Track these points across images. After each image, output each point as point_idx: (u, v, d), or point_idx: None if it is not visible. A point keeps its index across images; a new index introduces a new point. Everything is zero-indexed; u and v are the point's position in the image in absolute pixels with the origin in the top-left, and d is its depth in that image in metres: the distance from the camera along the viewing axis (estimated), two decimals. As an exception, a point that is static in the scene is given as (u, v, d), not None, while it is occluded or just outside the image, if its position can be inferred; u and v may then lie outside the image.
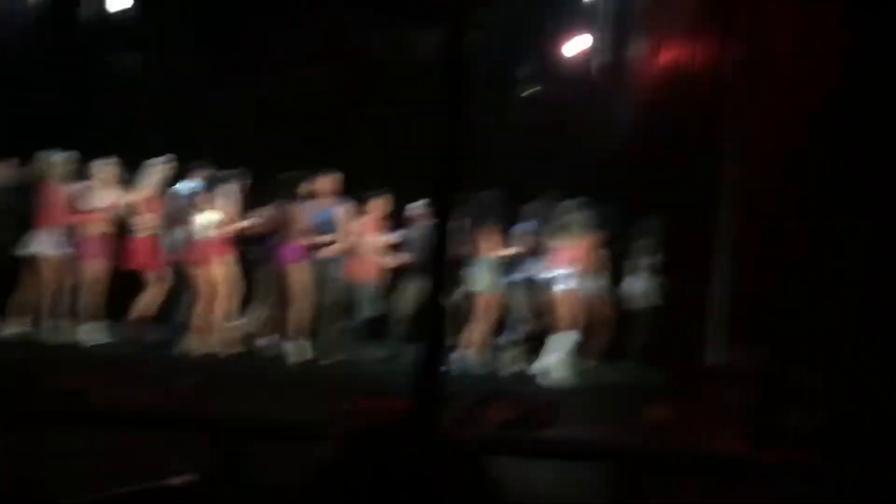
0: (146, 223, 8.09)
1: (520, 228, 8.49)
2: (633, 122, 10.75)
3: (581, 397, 7.62)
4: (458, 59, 1.95)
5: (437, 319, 2.74)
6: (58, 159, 8.00)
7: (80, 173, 8.19)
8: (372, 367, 8.17)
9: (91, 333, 8.11)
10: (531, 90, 11.89)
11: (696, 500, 4.21)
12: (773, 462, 5.22)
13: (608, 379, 8.58)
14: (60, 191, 7.96)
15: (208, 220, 8.00)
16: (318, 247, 8.28)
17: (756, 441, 5.65)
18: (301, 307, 8.08)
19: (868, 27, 4.81)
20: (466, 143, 1.94)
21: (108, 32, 10.78)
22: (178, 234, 8.11)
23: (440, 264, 2.64)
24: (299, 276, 8.08)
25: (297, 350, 8.05)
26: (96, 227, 8.03)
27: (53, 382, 5.40)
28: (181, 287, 8.23)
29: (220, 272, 8.01)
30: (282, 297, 8.20)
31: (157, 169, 8.22)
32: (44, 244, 7.89)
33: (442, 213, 1.97)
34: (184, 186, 8.25)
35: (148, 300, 8.13)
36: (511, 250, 8.44)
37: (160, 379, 5.53)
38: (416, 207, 8.67)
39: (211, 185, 8.07)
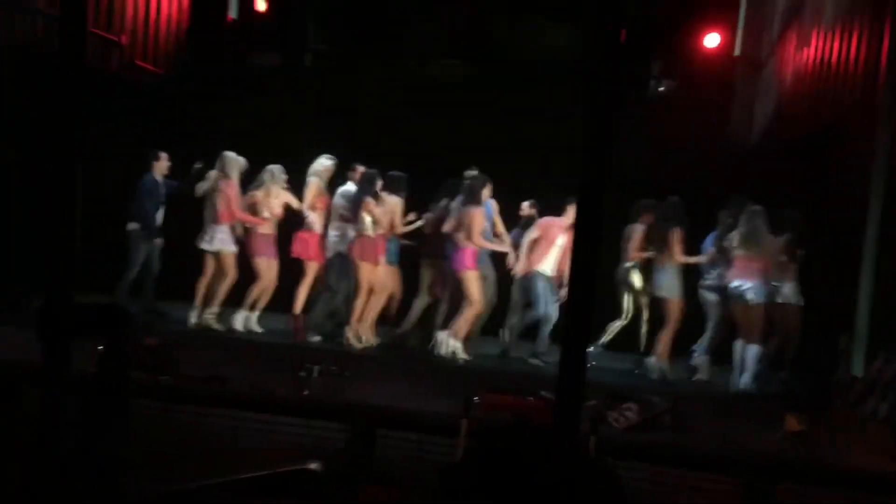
0: (314, 220, 8.44)
1: (710, 236, 8.30)
2: (780, 120, 10.38)
3: (725, 404, 7.39)
4: (608, 57, 1.94)
5: (582, 321, 2.76)
6: (237, 159, 8.43)
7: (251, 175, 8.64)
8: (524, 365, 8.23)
9: (248, 323, 8.55)
10: (666, 86, 11.62)
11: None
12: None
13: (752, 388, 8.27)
14: (237, 189, 8.39)
15: (371, 219, 8.19)
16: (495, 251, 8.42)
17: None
18: (473, 310, 8.15)
19: None
20: (612, 145, 1.93)
21: (252, 32, 11.27)
22: (344, 231, 8.38)
23: (587, 266, 2.64)
24: (475, 281, 8.15)
25: (454, 347, 8.14)
26: (268, 227, 8.42)
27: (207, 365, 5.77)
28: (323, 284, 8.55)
29: (379, 270, 8.24)
30: (452, 297, 8.33)
31: (322, 168, 8.56)
32: (222, 240, 8.36)
33: (590, 213, 1.97)
34: (351, 186, 8.56)
35: (303, 292, 8.50)
36: (701, 258, 8.27)
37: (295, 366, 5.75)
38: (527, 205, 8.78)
39: (373, 185, 8.25)
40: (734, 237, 7.84)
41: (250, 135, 9.42)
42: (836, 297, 7.44)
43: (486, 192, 8.21)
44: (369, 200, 8.15)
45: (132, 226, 8.62)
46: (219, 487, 3.18)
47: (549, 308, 8.40)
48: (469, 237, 8.08)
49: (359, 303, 8.26)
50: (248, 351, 7.49)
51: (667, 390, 7.31)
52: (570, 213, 8.08)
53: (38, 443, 2.61)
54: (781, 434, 5.83)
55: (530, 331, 8.60)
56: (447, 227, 8.24)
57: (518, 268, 8.49)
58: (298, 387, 5.32)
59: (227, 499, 3.14)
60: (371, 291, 8.24)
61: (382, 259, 8.22)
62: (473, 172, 8.38)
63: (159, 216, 8.78)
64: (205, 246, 8.41)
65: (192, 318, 8.42)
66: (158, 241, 8.77)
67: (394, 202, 8.26)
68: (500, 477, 1.17)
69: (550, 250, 8.42)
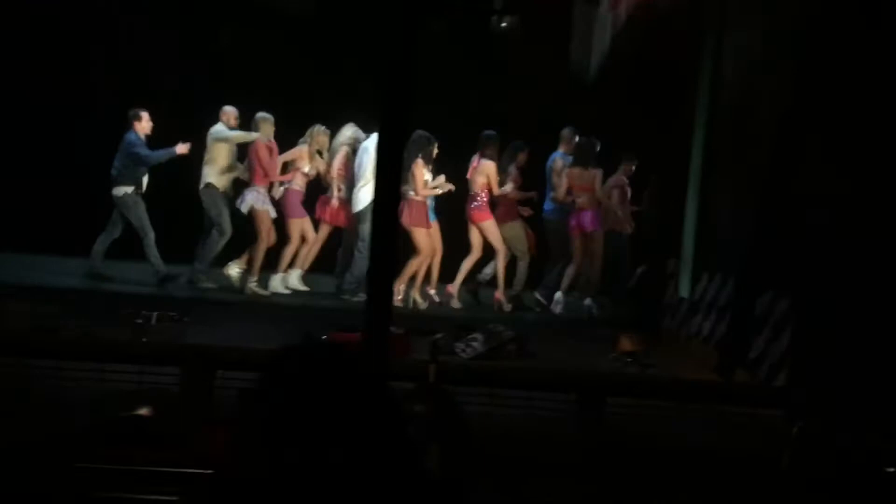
0: (339, 185, 8.40)
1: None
2: (615, 55, 10.73)
3: (558, 330, 7.76)
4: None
5: (387, 256, 2.86)
6: (270, 119, 8.24)
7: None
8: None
9: (292, 283, 8.43)
10: (508, 21, 11.72)
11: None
12: (738, 385, 5.42)
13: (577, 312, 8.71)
14: (272, 150, 8.21)
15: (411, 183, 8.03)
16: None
17: (724, 369, 5.82)
18: (598, 268, 8.38)
19: None
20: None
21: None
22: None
23: (389, 203, 2.66)
24: (599, 241, 8.34)
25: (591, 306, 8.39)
26: (297, 184, 8.31)
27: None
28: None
29: (432, 233, 8.20)
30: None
31: (346, 133, 8.46)
32: (258, 199, 8.14)
33: (391, 153, 1.95)
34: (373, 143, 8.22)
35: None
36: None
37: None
38: None
39: (425, 147, 8.06)
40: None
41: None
42: (665, 225, 7.90)
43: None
44: (420, 163, 7.97)
45: (123, 190, 8.13)
46: (43, 441, 3.09)
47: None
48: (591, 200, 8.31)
49: (415, 264, 8.10)
50: (97, 303, 7.12)
51: (515, 320, 7.63)
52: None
53: None
54: (615, 354, 6.21)
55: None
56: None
57: None
58: (136, 335, 5.19)
59: (54, 452, 3.05)
60: (430, 254, 8.15)
61: (431, 221, 8.15)
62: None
63: (145, 181, 8.31)
64: (242, 208, 8.13)
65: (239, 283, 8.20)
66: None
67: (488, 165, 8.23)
68: (298, 399, 1.19)
69: None
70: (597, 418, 4.27)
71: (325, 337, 5.25)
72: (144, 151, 8.18)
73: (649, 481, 3.67)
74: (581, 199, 8.31)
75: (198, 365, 3.98)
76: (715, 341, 6.25)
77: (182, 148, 8.17)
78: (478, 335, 6.14)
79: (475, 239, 8.36)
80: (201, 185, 8.19)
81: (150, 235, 8.14)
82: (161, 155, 8.25)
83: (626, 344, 6.33)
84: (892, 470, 3.01)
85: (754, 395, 4.97)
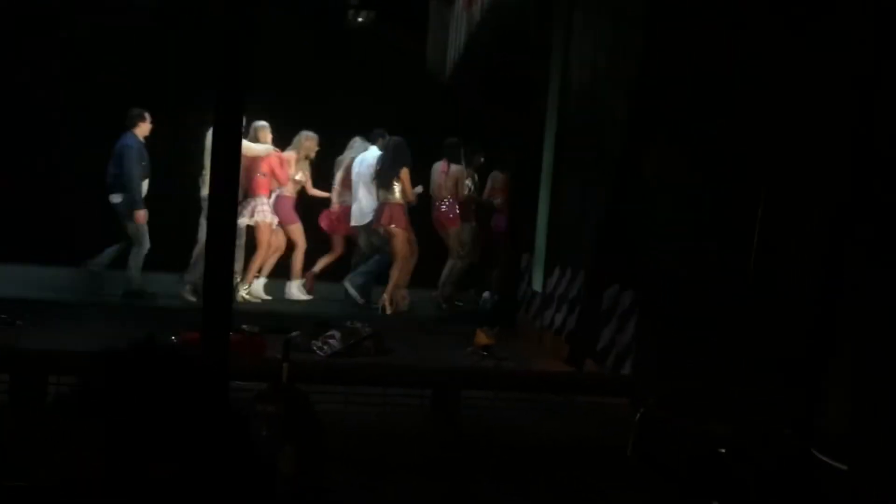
0: (337, 193, 8.77)
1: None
2: (468, 55, 10.88)
3: (416, 326, 7.80)
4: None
5: (224, 253, 2.79)
6: (268, 127, 8.24)
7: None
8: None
9: (295, 291, 8.63)
10: (364, 17, 11.65)
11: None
12: (585, 375, 5.62)
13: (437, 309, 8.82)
14: (282, 160, 8.30)
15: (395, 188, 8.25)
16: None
17: (575, 359, 6.03)
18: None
19: None
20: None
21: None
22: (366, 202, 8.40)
23: (228, 198, 2.59)
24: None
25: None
26: (289, 193, 8.42)
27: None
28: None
29: (409, 236, 8.38)
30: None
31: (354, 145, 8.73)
32: (266, 211, 8.22)
33: (228, 147, 1.86)
34: (371, 154, 8.45)
35: (328, 261, 8.82)
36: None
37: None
38: None
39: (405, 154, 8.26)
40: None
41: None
42: (518, 220, 8.09)
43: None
44: (405, 169, 8.18)
45: (118, 197, 7.83)
46: None
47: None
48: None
49: (396, 270, 8.30)
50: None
51: (374, 317, 7.62)
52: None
53: None
54: (472, 348, 6.32)
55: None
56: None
57: None
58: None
59: None
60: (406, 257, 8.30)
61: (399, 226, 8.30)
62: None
63: (145, 186, 7.92)
64: (249, 221, 8.11)
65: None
66: (143, 214, 7.86)
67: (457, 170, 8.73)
68: (119, 402, 1.14)
69: None
70: (452, 413, 4.32)
71: (173, 337, 5.07)
72: (135, 164, 7.81)
73: (503, 474, 3.75)
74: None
75: (25, 370, 3.73)
76: (566, 333, 6.45)
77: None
78: (334, 332, 6.09)
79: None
80: None
81: (145, 247, 7.94)
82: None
83: (481, 338, 6.45)
84: (723, 451, 3.19)
85: (603, 384, 5.16)
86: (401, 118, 9.16)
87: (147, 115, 7.97)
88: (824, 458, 3.15)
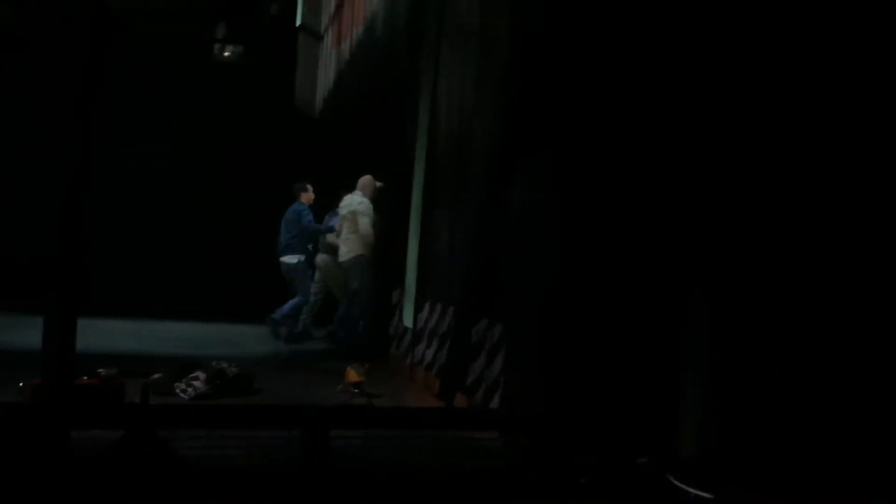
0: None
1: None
2: (338, 89, 10.89)
3: (287, 364, 7.66)
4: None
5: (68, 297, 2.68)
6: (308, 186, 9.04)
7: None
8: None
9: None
10: (231, 51, 11.52)
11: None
12: (456, 410, 5.65)
13: (309, 346, 8.71)
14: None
15: None
16: None
17: (445, 393, 6.05)
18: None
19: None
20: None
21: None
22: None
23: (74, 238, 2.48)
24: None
25: None
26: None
27: None
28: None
29: None
30: None
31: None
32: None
33: (77, 178, 1.79)
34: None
35: None
36: None
37: None
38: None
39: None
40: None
41: None
42: (389, 255, 8.11)
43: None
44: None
45: (296, 258, 8.81)
46: None
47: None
48: None
49: None
50: None
51: (243, 356, 7.42)
52: None
53: None
54: (342, 385, 6.24)
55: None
56: None
57: None
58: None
59: None
60: None
61: None
62: None
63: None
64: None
65: None
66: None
67: None
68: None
69: None
70: (322, 453, 4.24)
71: (21, 384, 4.77)
72: (313, 224, 8.87)
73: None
74: None
75: None
76: (437, 368, 6.48)
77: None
78: (199, 374, 5.89)
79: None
80: (349, 256, 8.25)
81: (312, 301, 8.88)
82: (322, 228, 8.86)
83: (352, 375, 6.38)
84: (583, 481, 3.27)
85: (473, 418, 5.19)
86: (269, 152, 9.07)
87: (310, 187, 9.10)
88: (681, 486, 3.28)
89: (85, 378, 5.12)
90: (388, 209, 8.37)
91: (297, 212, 8.89)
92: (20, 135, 8.61)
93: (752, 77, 4.03)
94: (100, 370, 5.35)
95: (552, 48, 4.96)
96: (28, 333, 7.50)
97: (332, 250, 8.68)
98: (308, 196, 9.03)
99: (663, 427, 4.07)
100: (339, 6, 11.34)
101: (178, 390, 5.76)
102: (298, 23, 12.68)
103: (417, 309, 7.12)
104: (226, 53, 11.13)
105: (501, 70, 5.69)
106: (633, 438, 4.11)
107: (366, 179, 8.54)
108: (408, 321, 7.34)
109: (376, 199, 8.50)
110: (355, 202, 8.39)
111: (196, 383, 5.81)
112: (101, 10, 3.52)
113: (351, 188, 8.59)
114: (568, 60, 4.80)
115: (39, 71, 8.82)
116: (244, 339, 8.86)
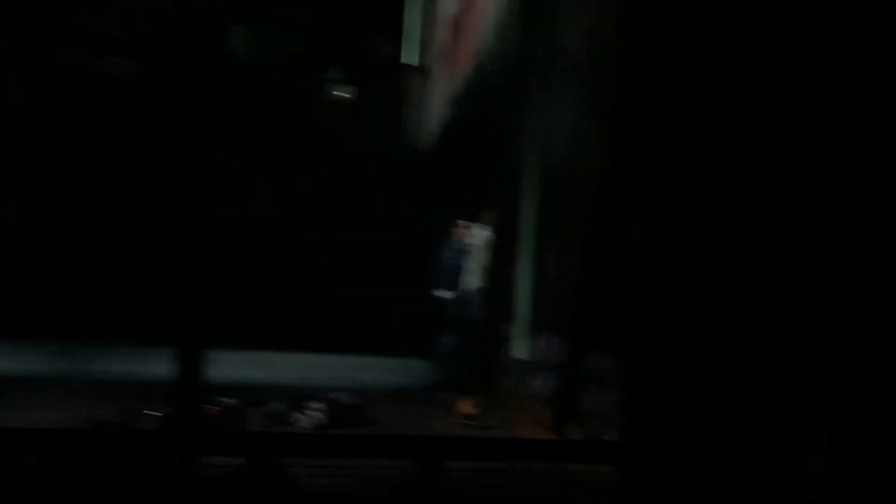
0: None
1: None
2: (448, 124, 11.04)
3: (400, 395, 7.70)
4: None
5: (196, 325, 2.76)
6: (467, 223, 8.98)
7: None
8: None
9: None
10: (346, 91, 11.84)
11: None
12: (571, 442, 5.53)
13: (422, 377, 8.74)
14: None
15: None
16: None
17: (558, 425, 5.94)
18: None
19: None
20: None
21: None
22: None
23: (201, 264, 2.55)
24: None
25: None
26: None
27: None
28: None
29: None
30: None
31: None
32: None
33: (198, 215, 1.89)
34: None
35: None
36: None
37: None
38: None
39: None
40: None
41: None
42: (500, 286, 8.08)
43: None
44: None
45: (448, 293, 8.90)
46: None
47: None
48: None
49: None
50: None
51: (356, 386, 7.52)
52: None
53: None
54: (455, 417, 6.23)
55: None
56: None
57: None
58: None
59: None
60: None
61: None
62: None
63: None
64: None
65: None
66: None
67: None
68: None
69: None
70: (434, 484, 4.22)
71: (147, 412, 4.96)
72: (460, 261, 8.92)
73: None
74: None
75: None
76: (550, 400, 6.38)
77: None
78: (315, 404, 5.99)
79: None
80: (472, 287, 8.65)
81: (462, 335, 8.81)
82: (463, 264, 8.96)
83: (464, 407, 6.36)
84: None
85: (588, 450, 5.07)
86: (379, 185, 9.25)
87: (466, 224, 9.15)
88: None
89: (207, 407, 5.30)
90: (500, 241, 8.37)
91: (456, 251, 9.19)
92: (145, 178, 9.08)
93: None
94: (221, 399, 5.52)
95: (662, 78, 4.88)
96: (129, 361, 7.89)
97: (456, 283, 8.84)
98: (462, 233, 9.27)
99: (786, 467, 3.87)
100: (449, 44, 11.52)
101: (295, 420, 5.87)
102: (408, 62, 12.97)
103: (530, 339, 7.06)
104: (337, 94, 11.46)
105: (611, 101, 5.63)
106: (759, 480, 3.91)
107: (486, 212, 8.65)
108: (520, 351, 7.28)
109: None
110: (481, 235, 8.55)
111: (312, 413, 5.91)
112: (223, 64, 3.64)
113: (468, 221, 8.73)
114: (679, 91, 4.71)
115: (166, 115, 9.30)
116: (357, 369, 8.98)
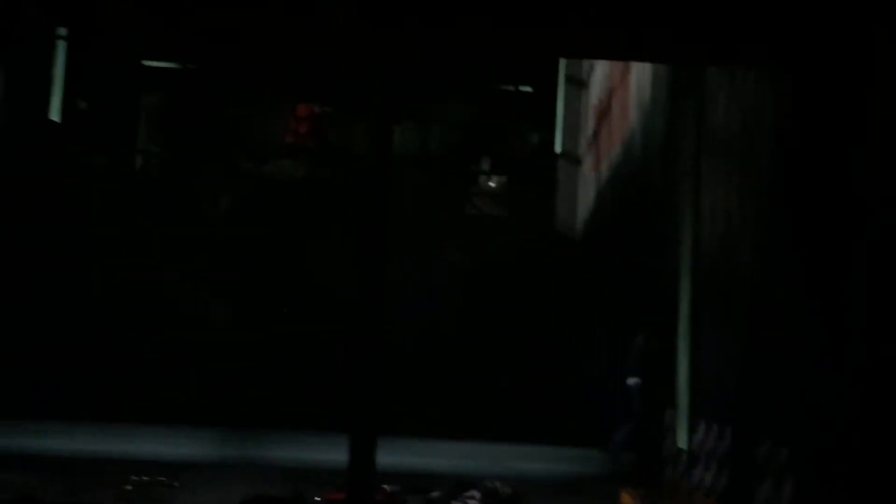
0: None
1: None
2: (599, 209, 11.06)
3: (557, 485, 7.59)
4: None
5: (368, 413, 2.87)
6: None
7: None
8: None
9: None
10: (496, 181, 12.14)
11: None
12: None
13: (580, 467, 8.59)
14: None
15: None
16: None
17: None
18: None
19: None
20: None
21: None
22: None
23: (371, 354, 2.69)
24: None
25: None
26: None
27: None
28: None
29: None
30: None
31: None
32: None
33: (371, 303, 2.01)
34: None
35: None
36: None
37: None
38: None
39: None
40: None
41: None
42: (660, 376, 7.89)
43: None
44: None
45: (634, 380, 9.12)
46: None
47: None
48: None
49: None
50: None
51: (516, 476, 7.48)
52: None
53: None
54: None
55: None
56: None
57: None
58: (124, 500, 5.08)
59: None
60: None
61: None
62: None
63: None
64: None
65: None
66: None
67: None
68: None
69: None
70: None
71: (317, 498, 5.15)
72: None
73: None
74: None
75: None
76: (717, 493, 6.11)
77: None
78: (474, 492, 6.02)
79: None
80: (636, 378, 9.03)
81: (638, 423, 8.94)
82: None
83: (627, 499, 6.19)
84: None
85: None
86: (531, 272, 9.33)
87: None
88: None
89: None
90: (655, 327, 8.23)
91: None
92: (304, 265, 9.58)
93: None
94: (384, 486, 5.64)
95: (819, 156, 4.77)
96: (295, 448, 8.17)
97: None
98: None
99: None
100: (598, 129, 11.66)
101: (453, 508, 5.91)
102: (558, 149, 13.18)
103: (692, 429, 6.83)
104: (491, 184, 11.77)
105: (766, 180, 5.53)
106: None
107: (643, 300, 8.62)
108: (682, 442, 7.04)
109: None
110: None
111: (471, 502, 5.93)
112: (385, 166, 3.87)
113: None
114: (837, 168, 4.58)
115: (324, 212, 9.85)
116: (517, 457, 8.91)
